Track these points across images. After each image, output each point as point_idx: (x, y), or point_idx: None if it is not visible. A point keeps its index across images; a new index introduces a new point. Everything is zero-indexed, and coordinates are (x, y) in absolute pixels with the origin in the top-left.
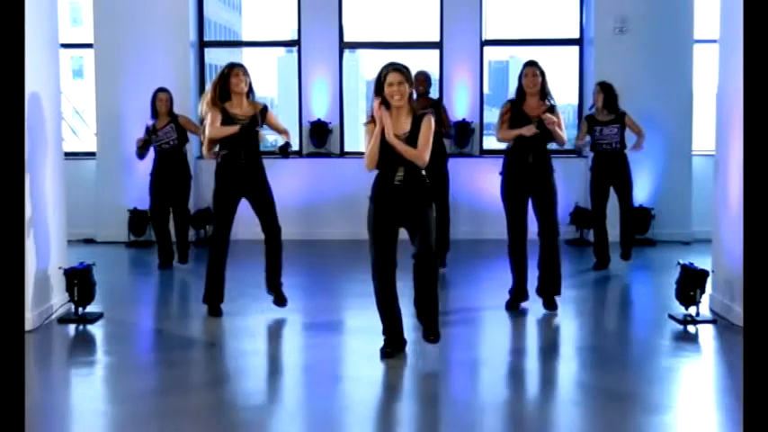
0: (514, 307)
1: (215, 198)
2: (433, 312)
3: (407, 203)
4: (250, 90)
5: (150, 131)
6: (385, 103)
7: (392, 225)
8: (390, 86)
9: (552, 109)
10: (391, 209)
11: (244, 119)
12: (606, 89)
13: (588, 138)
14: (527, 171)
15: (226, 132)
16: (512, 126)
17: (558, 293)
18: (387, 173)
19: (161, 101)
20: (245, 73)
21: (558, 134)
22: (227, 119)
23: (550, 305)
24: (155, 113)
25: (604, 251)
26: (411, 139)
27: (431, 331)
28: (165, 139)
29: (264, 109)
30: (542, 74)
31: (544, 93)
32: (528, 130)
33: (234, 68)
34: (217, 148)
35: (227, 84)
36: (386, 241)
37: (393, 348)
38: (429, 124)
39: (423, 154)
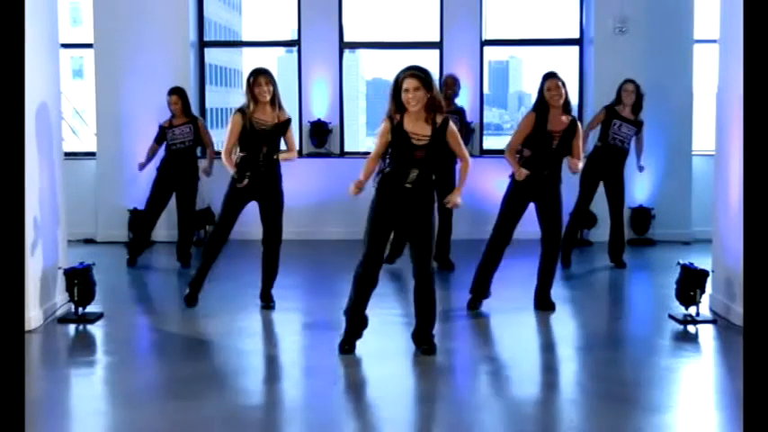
0: (476, 306)
1: (226, 195)
2: (429, 325)
3: (413, 206)
4: (275, 97)
5: (165, 128)
6: (401, 109)
7: (392, 224)
8: (406, 93)
9: (574, 123)
10: (396, 209)
11: (266, 126)
12: (638, 90)
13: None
14: (538, 181)
15: (229, 163)
16: (532, 142)
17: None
18: (399, 173)
19: (171, 103)
20: (269, 81)
21: (577, 152)
22: (251, 124)
23: (548, 307)
24: (172, 113)
25: (569, 244)
26: (432, 144)
27: (424, 341)
28: (181, 139)
29: (288, 121)
30: (564, 85)
31: (567, 104)
32: (519, 175)
33: (257, 77)
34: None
35: (253, 91)
36: (381, 239)
37: (351, 346)
38: (454, 132)
39: (468, 161)
